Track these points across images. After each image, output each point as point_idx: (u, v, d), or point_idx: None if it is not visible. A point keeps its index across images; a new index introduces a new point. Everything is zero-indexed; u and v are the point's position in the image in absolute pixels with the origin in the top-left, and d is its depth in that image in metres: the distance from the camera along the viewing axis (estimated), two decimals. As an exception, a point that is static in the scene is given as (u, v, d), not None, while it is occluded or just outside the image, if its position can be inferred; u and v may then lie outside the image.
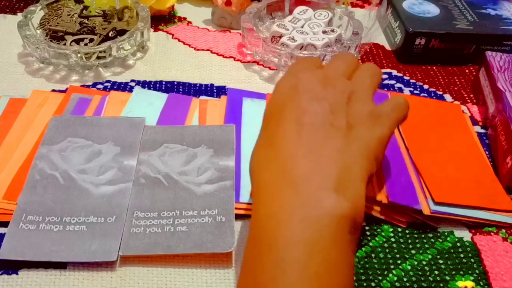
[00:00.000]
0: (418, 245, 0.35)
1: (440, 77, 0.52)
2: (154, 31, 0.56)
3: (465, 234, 0.36)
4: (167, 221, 0.34)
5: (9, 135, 0.40)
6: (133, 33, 0.49)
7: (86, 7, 0.53)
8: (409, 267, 0.33)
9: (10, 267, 0.32)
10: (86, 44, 0.48)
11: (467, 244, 0.35)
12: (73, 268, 0.32)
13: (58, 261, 0.32)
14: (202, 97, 0.46)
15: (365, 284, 0.32)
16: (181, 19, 0.59)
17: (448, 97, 0.49)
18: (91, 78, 0.48)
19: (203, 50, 0.54)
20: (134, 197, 0.36)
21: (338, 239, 0.25)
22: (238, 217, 0.35)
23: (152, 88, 0.48)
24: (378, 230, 0.36)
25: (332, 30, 0.51)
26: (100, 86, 0.47)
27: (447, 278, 0.33)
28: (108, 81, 0.48)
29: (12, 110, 0.43)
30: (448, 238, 0.35)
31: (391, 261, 0.34)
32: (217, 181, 0.37)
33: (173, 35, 0.56)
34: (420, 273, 0.33)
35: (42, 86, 0.47)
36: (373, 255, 0.34)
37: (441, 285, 0.32)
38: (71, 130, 0.40)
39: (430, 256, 0.34)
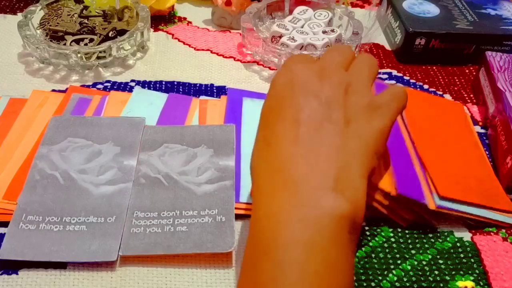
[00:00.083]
0: (418, 245, 0.35)
1: (440, 77, 0.52)
2: (154, 31, 0.56)
3: (465, 234, 0.36)
4: (167, 221, 0.34)
5: (9, 135, 0.40)
6: (133, 33, 0.49)
7: (86, 7, 0.53)
8: (409, 267, 0.33)
9: (10, 267, 0.32)
10: (86, 44, 0.48)
11: (467, 244, 0.35)
12: (73, 268, 0.32)
13: (58, 261, 0.32)
14: (202, 97, 0.46)
15: (365, 284, 0.32)
16: (181, 19, 0.59)
17: (448, 97, 0.49)
18: (91, 78, 0.48)
19: (203, 50, 0.54)
20: (134, 197, 0.36)
21: (337, 239, 0.25)
22: (238, 217, 0.35)
23: (152, 88, 0.48)
24: (378, 230, 0.36)
25: (332, 30, 0.51)
26: (100, 86, 0.47)
27: (447, 278, 0.33)
28: (108, 81, 0.48)
29: (12, 110, 0.43)
30: (448, 238, 0.35)
31: (391, 261, 0.34)
32: (217, 181, 0.37)
33: (173, 35, 0.56)
34: (420, 273, 0.33)
35: (42, 86, 0.47)
36: (373, 255, 0.34)
37: (441, 285, 0.32)
38: (71, 130, 0.40)
39: (430, 256, 0.34)
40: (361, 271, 0.33)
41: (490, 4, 0.57)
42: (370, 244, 0.35)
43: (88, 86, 0.47)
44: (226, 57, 0.53)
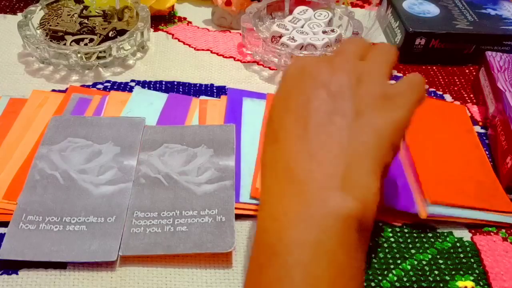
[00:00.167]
0: (418, 245, 0.35)
1: (440, 77, 0.52)
2: (154, 31, 0.56)
3: (464, 234, 0.36)
4: (167, 221, 0.34)
5: (9, 135, 0.40)
6: (133, 33, 0.49)
7: (86, 7, 0.53)
8: (409, 267, 0.33)
9: (10, 267, 0.32)
10: (86, 44, 0.48)
11: (467, 244, 0.35)
12: (73, 268, 0.32)
13: (58, 261, 0.32)
14: (202, 97, 0.46)
15: (365, 284, 0.32)
16: (181, 19, 0.59)
17: (448, 97, 0.49)
18: (91, 78, 0.48)
19: (203, 50, 0.54)
20: (134, 197, 0.36)
21: (344, 239, 0.24)
22: (238, 217, 0.35)
23: (152, 88, 0.48)
24: (378, 230, 0.36)
25: (332, 30, 0.51)
26: (100, 86, 0.47)
27: (447, 278, 0.33)
28: (108, 81, 0.48)
29: (12, 110, 0.43)
30: (448, 238, 0.35)
31: (391, 261, 0.34)
32: (217, 181, 0.37)
33: (173, 35, 0.56)
34: (420, 273, 0.33)
35: (42, 86, 0.47)
36: (373, 255, 0.34)
37: (441, 285, 0.32)
38: (71, 130, 0.40)
39: (430, 256, 0.34)
40: (361, 271, 0.33)
41: (490, 4, 0.57)
42: (370, 244, 0.35)
43: (88, 86, 0.47)
44: (226, 57, 0.53)
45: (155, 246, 0.32)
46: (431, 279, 0.33)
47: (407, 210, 0.36)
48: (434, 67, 0.53)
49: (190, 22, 0.58)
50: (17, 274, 0.32)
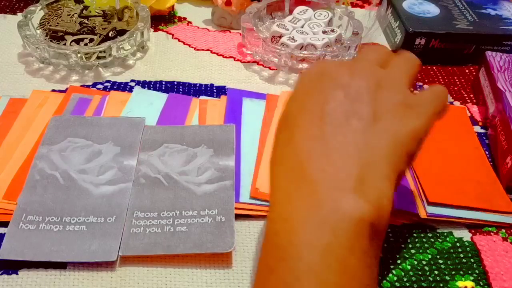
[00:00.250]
0: (418, 245, 0.35)
1: (440, 77, 0.52)
2: (154, 31, 0.56)
3: (464, 234, 0.36)
4: (167, 221, 0.34)
5: (9, 135, 0.40)
6: (133, 33, 0.49)
7: (86, 7, 0.53)
8: (409, 267, 0.33)
9: (10, 267, 0.32)
10: (86, 44, 0.48)
11: (467, 244, 0.35)
12: (73, 268, 0.32)
13: (58, 261, 0.32)
14: (202, 97, 0.46)
15: (365, 284, 0.32)
16: (181, 19, 0.59)
17: (448, 97, 0.49)
18: (91, 78, 0.48)
19: (203, 50, 0.54)
20: (134, 197, 0.36)
21: (356, 245, 0.23)
22: (238, 217, 0.35)
23: (152, 88, 0.48)
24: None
25: (332, 30, 0.51)
26: (100, 86, 0.47)
27: (447, 278, 0.33)
28: (108, 81, 0.48)
29: (12, 110, 0.43)
30: (448, 238, 0.35)
31: (391, 261, 0.34)
32: (217, 181, 0.37)
33: (173, 35, 0.56)
34: (420, 273, 0.33)
35: (42, 86, 0.47)
36: (373, 255, 0.34)
37: (441, 285, 0.32)
38: (71, 130, 0.40)
39: (430, 256, 0.34)
40: (361, 271, 0.33)
41: (490, 4, 0.57)
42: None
43: (88, 86, 0.47)
44: (226, 57, 0.53)
45: (155, 246, 0.32)
46: (431, 279, 0.33)
47: (407, 210, 0.36)
48: (434, 67, 0.53)
49: (190, 22, 0.58)
50: (17, 274, 0.32)
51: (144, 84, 0.48)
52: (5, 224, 0.34)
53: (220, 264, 0.33)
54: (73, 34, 0.49)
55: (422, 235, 0.35)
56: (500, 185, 0.38)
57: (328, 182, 0.25)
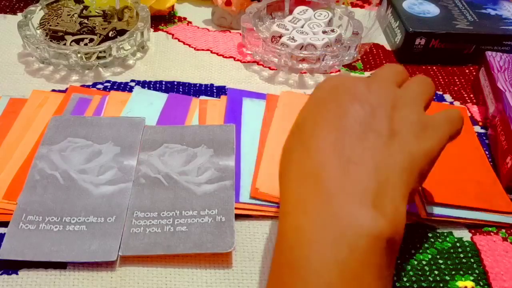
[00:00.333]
0: (417, 245, 0.35)
1: (440, 77, 0.52)
2: (154, 31, 0.56)
3: (464, 234, 0.36)
4: (167, 221, 0.34)
5: (9, 135, 0.40)
6: (133, 33, 0.49)
7: (86, 7, 0.53)
8: (409, 267, 0.33)
9: (10, 267, 0.32)
10: (86, 44, 0.48)
11: (467, 244, 0.35)
12: (73, 268, 0.32)
13: (58, 261, 0.32)
14: (202, 97, 0.46)
15: (365, 284, 0.32)
16: (181, 19, 0.59)
17: (448, 97, 0.49)
18: (91, 78, 0.48)
19: (203, 50, 0.54)
20: (134, 197, 0.36)
21: (372, 262, 0.23)
22: (238, 217, 0.35)
23: (152, 88, 0.48)
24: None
25: (332, 30, 0.51)
26: (100, 86, 0.47)
27: (447, 278, 0.33)
28: (108, 81, 0.48)
29: (12, 110, 0.43)
30: (448, 238, 0.35)
31: (391, 261, 0.34)
32: (217, 181, 0.37)
33: (173, 35, 0.56)
34: (420, 273, 0.33)
35: (42, 86, 0.47)
36: (373, 255, 0.34)
37: (441, 285, 0.32)
38: (71, 130, 0.40)
39: (430, 256, 0.34)
40: (361, 271, 0.33)
41: (490, 4, 0.57)
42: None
43: (88, 86, 0.47)
44: (226, 57, 0.53)
45: (155, 246, 0.32)
46: (431, 279, 0.33)
47: (408, 210, 0.35)
48: (434, 67, 0.53)
49: (190, 22, 0.58)
50: (17, 274, 0.32)
51: (144, 84, 0.48)
52: (5, 224, 0.34)
53: (220, 264, 0.33)
54: (73, 34, 0.49)
55: (422, 235, 0.35)
56: (500, 185, 0.38)
57: (345, 195, 0.24)
